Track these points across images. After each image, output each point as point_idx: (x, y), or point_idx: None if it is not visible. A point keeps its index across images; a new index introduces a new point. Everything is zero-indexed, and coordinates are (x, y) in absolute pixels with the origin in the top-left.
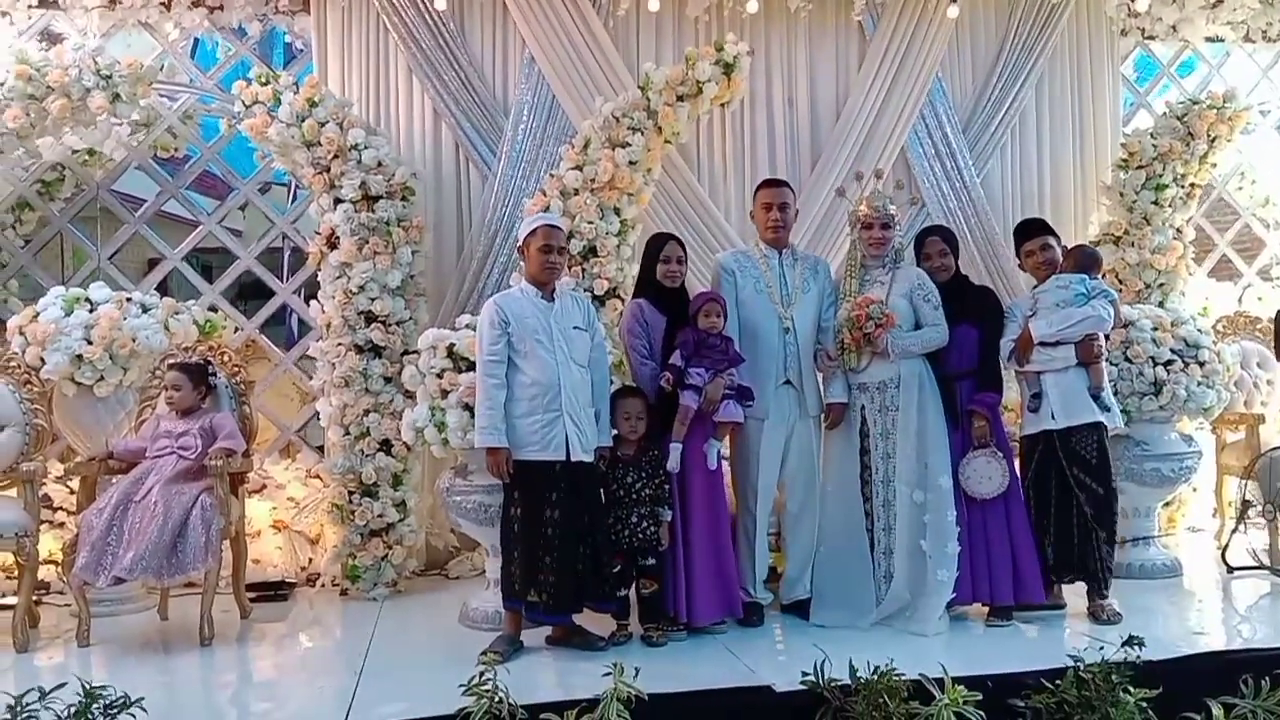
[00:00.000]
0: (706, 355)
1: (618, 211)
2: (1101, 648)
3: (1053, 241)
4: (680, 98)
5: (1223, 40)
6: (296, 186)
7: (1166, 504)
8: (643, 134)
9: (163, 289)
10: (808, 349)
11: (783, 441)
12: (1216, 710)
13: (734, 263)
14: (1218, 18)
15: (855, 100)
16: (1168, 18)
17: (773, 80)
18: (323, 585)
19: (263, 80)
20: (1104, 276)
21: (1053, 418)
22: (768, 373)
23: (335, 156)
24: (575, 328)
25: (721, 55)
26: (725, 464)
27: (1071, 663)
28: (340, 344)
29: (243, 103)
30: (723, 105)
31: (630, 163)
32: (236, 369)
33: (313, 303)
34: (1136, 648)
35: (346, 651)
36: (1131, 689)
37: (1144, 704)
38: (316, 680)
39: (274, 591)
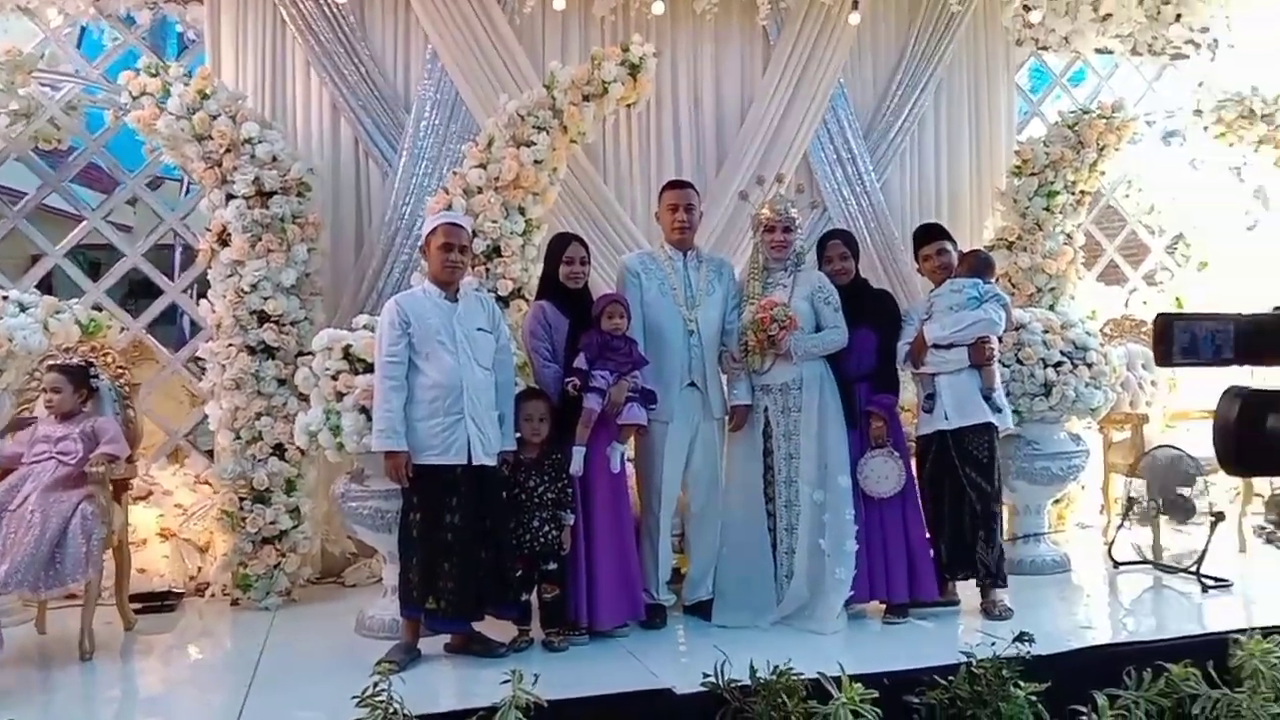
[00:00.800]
0: (610, 357)
1: (523, 211)
2: (993, 644)
3: (949, 246)
4: (586, 97)
5: (1112, 53)
6: (189, 181)
7: (1056, 501)
8: (548, 133)
9: (46, 287)
10: (712, 351)
11: (687, 443)
12: (1102, 702)
13: (639, 264)
14: (1107, 30)
15: (760, 104)
16: (1060, 29)
17: (679, 82)
18: (212, 595)
19: (151, 71)
20: (997, 281)
21: (946, 418)
22: (672, 375)
23: (227, 150)
24: (479, 329)
25: (628, 56)
26: (629, 466)
27: (964, 659)
28: (231, 345)
29: (130, 94)
30: (629, 106)
31: (535, 162)
32: (121, 370)
33: (203, 302)
34: (1026, 643)
35: (236, 664)
36: (1022, 684)
37: (1034, 698)
38: (205, 695)
39: (160, 602)
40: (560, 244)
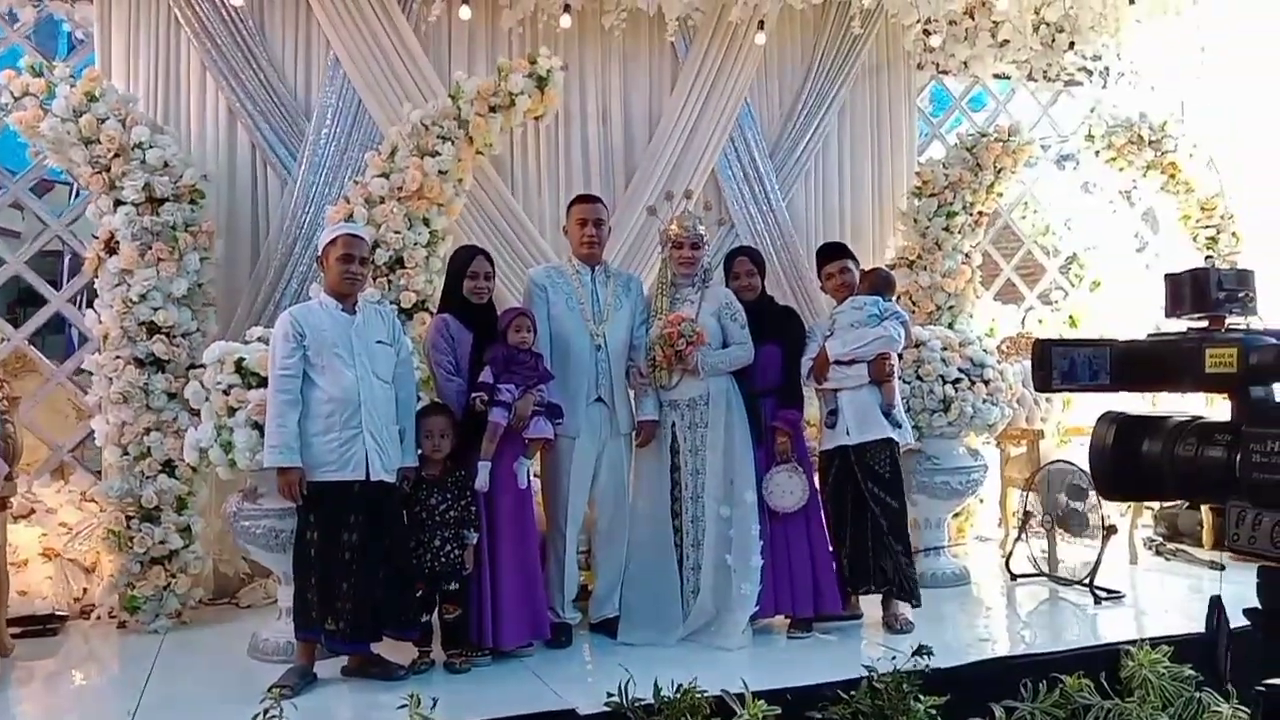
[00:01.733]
0: (516, 371)
1: (427, 222)
2: (894, 657)
3: (851, 265)
4: (493, 109)
5: (1009, 78)
6: (79, 186)
7: (956, 515)
8: (453, 143)
9: None
10: (619, 366)
11: (594, 459)
12: (999, 713)
13: (546, 278)
14: (1004, 57)
15: (668, 120)
16: (960, 54)
17: (587, 96)
18: (98, 618)
19: (35, 70)
20: (898, 299)
21: (847, 433)
22: (579, 390)
23: (116, 155)
24: (379, 342)
25: (535, 68)
26: (535, 482)
27: (866, 673)
28: (119, 357)
29: (11, 94)
30: (537, 119)
31: (440, 172)
32: (0, 382)
33: (89, 312)
34: (926, 656)
35: (122, 690)
36: (921, 697)
37: (933, 710)
38: None
39: (43, 626)
40: (465, 258)
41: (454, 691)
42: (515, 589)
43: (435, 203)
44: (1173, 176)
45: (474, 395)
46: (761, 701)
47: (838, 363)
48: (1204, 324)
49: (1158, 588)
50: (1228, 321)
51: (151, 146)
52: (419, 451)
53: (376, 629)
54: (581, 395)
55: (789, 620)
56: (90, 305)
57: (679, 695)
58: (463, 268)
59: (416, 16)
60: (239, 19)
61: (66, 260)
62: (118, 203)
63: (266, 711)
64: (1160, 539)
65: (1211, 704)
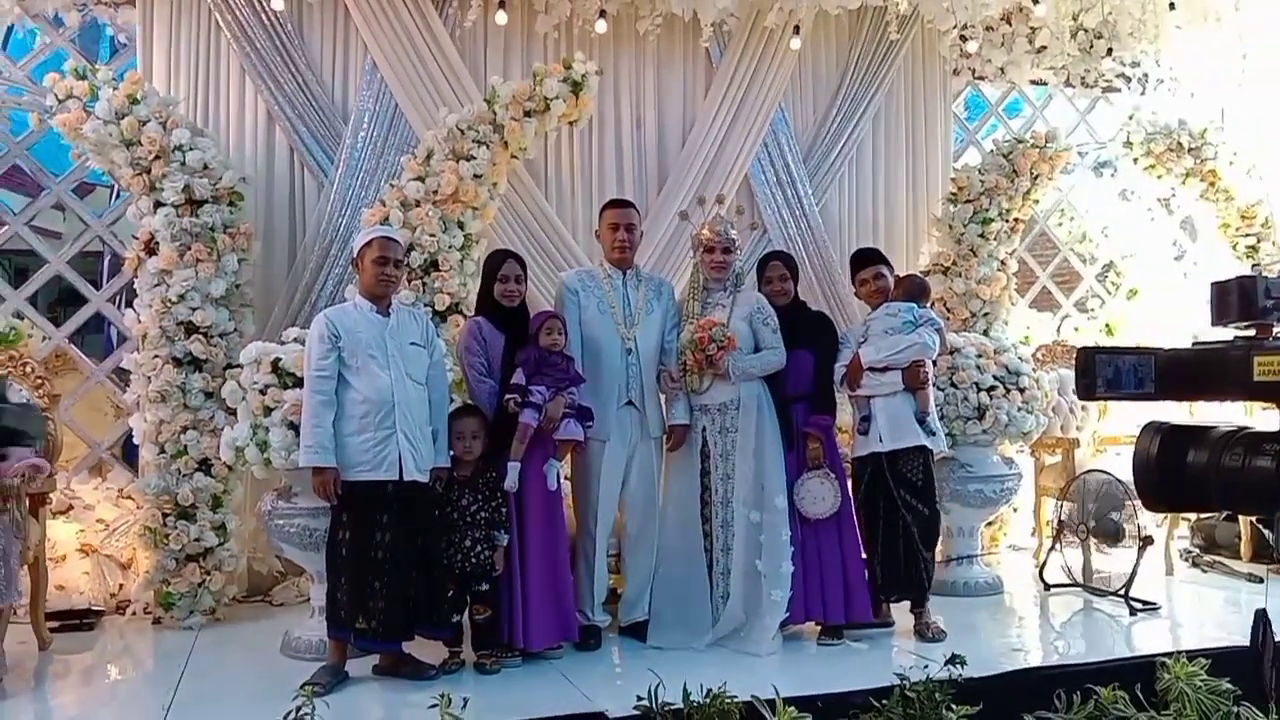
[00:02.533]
0: (548, 373)
1: (461, 225)
2: (926, 666)
3: (885, 270)
4: (527, 113)
5: (1046, 84)
6: (119, 188)
7: (989, 523)
8: (488, 148)
9: None
10: (650, 370)
11: (624, 462)
12: None
13: (578, 282)
14: (1041, 63)
15: (701, 125)
16: (996, 60)
17: (621, 101)
18: (134, 613)
19: (79, 73)
20: (933, 305)
21: (880, 441)
22: (610, 393)
23: (157, 157)
24: (412, 343)
25: (570, 73)
26: (565, 485)
27: (898, 681)
28: (157, 356)
29: (56, 96)
30: (571, 123)
31: (475, 176)
32: (41, 381)
33: (129, 312)
34: (958, 666)
35: (156, 685)
36: (954, 706)
37: None
38: (122, 718)
39: (79, 620)
40: (496, 261)
41: (484, 692)
42: (544, 590)
43: (470, 206)
44: (1212, 184)
45: (507, 396)
46: (792, 708)
47: (871, 369)
48: (1251, 332)
49: (1194, 600)
50: (1275, 330)
51: (191, 149)
52: (451, 452)
53: (408, 628)
54: (612, 399)
55: (819, 627)
56: (129, 305)
57: (709, 700)
58: (494, 271)
59: (453, 21)
60: (278, 23)
61: (106, 260)
62: (158, 204)
63: (299, 709)
64: (1197, 550)
65: (1250, 719)
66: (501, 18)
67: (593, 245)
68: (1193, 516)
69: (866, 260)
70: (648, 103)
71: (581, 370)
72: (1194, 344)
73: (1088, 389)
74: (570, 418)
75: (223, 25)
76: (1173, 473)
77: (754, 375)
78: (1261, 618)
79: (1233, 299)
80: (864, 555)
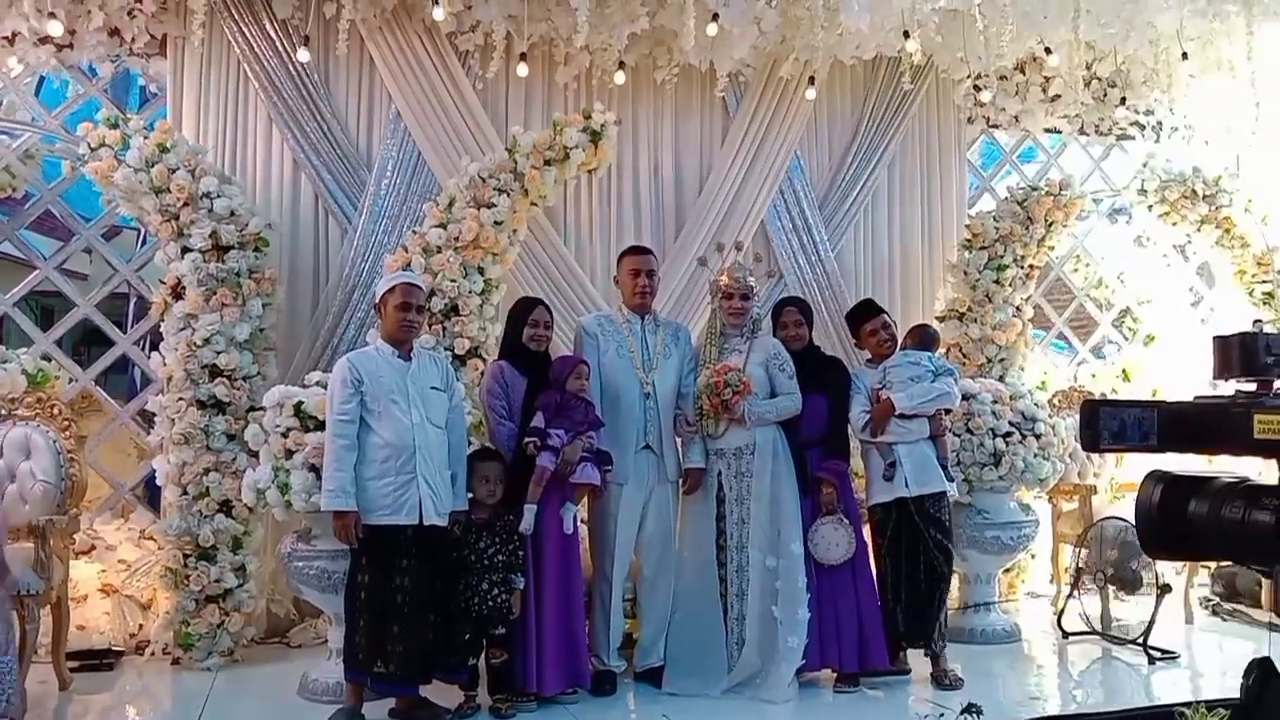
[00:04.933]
0: (566, 417)
1: (481, 271)
2: (943, 714)
3: (889, 319)
4: (548, 162)
5: (1060, 132)
6: (146, 232)
7: (1007, 570)
8: (509, 195)
9: None
10: (668, 414)
11: (641, 506)
12: None
13: (597, 326)
14: (1055, 111)
15: (718, 173)
16: (1010, 108)
17: (639, 150)
18: (153, 654)
19: (111, 122)
20: (946, 352)
21: (906, 486)
22: (627, 437)
23: (185, 204)
24: (433, 388)
25: (589, 123)
26: (582, 528)
27: None
28: (181, 399)
29: (88, 145)
30: (590, 172)
31: (496, 223)
32: (68, 422)
33: (154, 354)
34: (976, 714)
35: None
36: None
37: None
38: None
39: (99, 661)
40: (526, 307)
41: None
42: (557, 635)
43: (490, 252)
44: (1228, 231)
45: (527, 439)
46: None
47: (901, 416)
48: (1252, 387)
49: (1214, 649)
50: (1276, 385)
51: (219, 196)
52: (470, 495)
53: (426, 671)
54: (630, 443)
55: (835, 674)
56: (154, 348)
57: None
58: (524, 316)
59: (475, 73)
60: (305, 74)
61: (132, 303)
62: (185, 250)
63: None
64: (1217, 598)
65: None
66: (523, 69)
67: (610, 290)
68: (1212, 565)
69: (870, 312)
70: (665, 151)
71: (600, 414)
72: (1195, 399)
73: (1092, 440)
74: (588, 462)
75: (251, 75)
76: (1174, 522)
77: (769, 420)
78: (1258, 667)
79: (1234, 354)
80: (880, 602)
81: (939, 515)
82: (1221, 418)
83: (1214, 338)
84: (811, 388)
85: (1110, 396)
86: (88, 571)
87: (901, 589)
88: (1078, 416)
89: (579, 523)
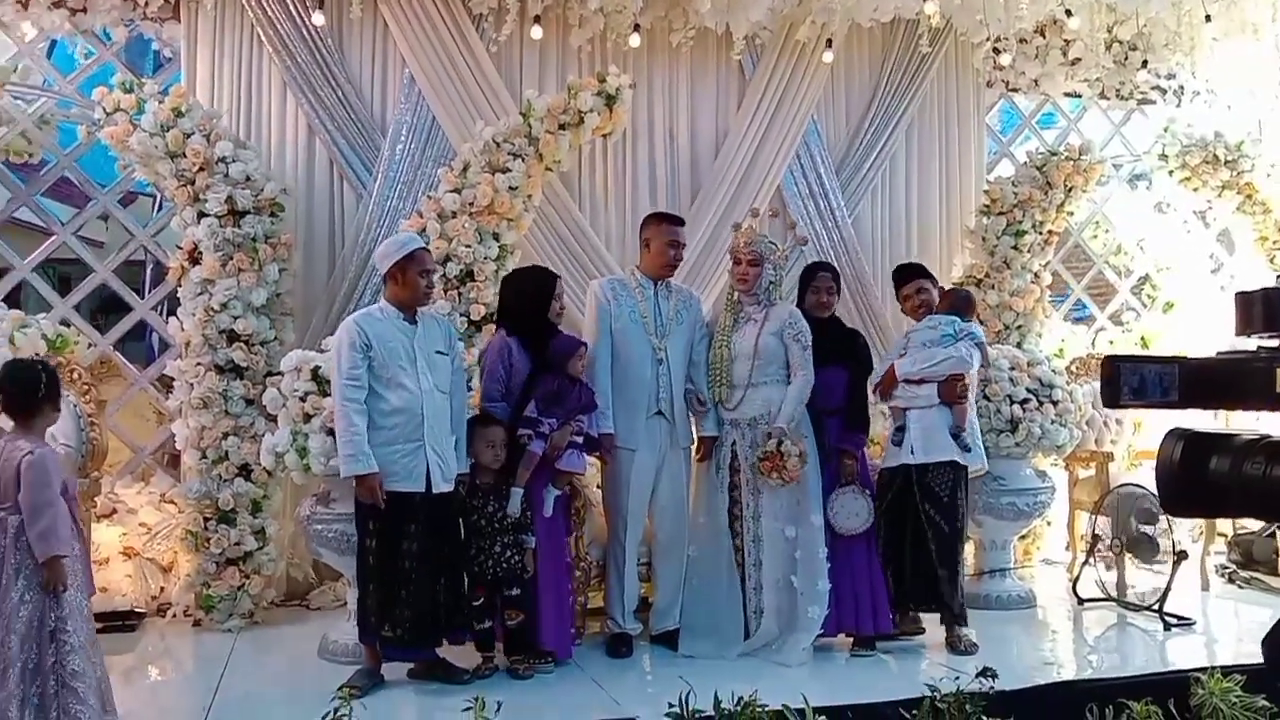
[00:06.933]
0: (559, 405)
1: (496, 236)
2: (957, 678)
3: (928, 284)
4: (562, 126)
5: (1080, 96)
6: (162, 198)
7: (1022, 537)
8: (523, 160)
9: (14, 301)
10: (680, 380)
11: (653, 471)
12: None
13: (610, 290)
14: (1075, 75)
15: (734, 138)
16: (1030, 72)
17: (654, 114)
18: (174, 616)
19: (126, 87)
20: (978, 318)
21: (911, 453)
22: (639, 403)
23: (200, 169)
24: (438, 352)
25: (604, 86)
26: (596, 494)
27: (929, 693)
28: (199, 363)
29: (104, 109)
30: (605, 136)
31: (510, 188)
32: (87, 387)
33: (172, 320)
34: (990, 678)
35: (196, 686)
36: (985, 719)
37: None
38: (163, 717)
39: (121, 622)
40: (546, 282)
41: (516, 697)
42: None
43: (505, 218)
44: (1249, 197)
45: (521, 432)
46: (823, 717)
47: (907, 381)
48: (1274, 343)
49: (1230, 616)
50: None
51: (234, 161)
52: (472, 461)
53: (435, 636)
54: (642, 408)
55: (851, 639)
56: (172, 313)
57: (739, 708)
58: (545, 290)
59: (489, 36)
60: (319, 38)
61: (149, 269)
62: (201, 215)
63: (336, 711)
64: (1234, 566)
65: None
66: (537, 32)
67: (625, 255)
68: (1229, 532)
69: (908, 275)
70: (681, 115)
71: (610, 380)
72: (1218, 354)
73: (1112, 397)
74: (575, 448)
75: (265, 40)
76: (1195, 479)
77: (799, 412)
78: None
79: (1257, 310)
80: (882, 564)
81: (936, 488)
82: (1243, 373)
83: (1236, 294)
84: (830, 360)
85: None
86: (109, 535)
87: (902, 553)
88: (1098, 380)
89: (588, 497)
